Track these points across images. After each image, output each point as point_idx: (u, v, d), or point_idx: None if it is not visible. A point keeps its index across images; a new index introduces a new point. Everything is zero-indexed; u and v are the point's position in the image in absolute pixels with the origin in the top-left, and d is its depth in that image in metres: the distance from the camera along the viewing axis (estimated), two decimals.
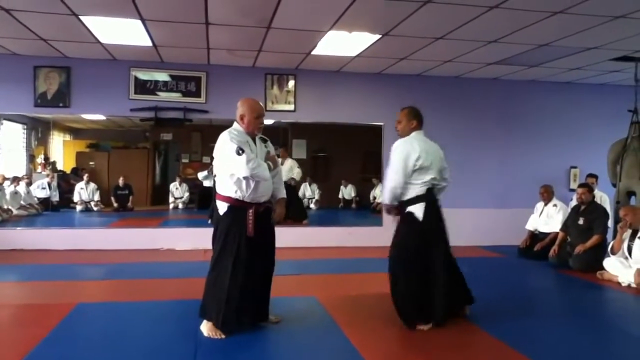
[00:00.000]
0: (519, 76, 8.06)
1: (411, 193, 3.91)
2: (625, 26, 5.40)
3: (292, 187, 8.86)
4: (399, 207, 3.96)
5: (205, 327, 3.63)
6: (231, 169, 3.54)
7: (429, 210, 3.90)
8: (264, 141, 3.87)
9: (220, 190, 3.67)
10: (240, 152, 3.46)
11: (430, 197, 3.92)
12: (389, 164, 4.00)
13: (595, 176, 7.69)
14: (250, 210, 3.58)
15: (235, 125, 3.71)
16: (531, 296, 5.33)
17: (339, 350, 3.48)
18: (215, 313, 3.58)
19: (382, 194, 4.01)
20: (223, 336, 3.55)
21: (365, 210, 9.40)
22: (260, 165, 3.55)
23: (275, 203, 3.87)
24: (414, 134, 4.13)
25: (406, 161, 3.89)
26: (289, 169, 8.72)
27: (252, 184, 3.56)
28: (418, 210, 3.88)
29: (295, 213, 8.49)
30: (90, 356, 3.29)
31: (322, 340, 3.67)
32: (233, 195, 3.59)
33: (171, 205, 10.39)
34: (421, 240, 3.87)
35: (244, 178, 3.52)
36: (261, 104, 3.86)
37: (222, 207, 3.65)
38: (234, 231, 3.59)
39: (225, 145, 3.55)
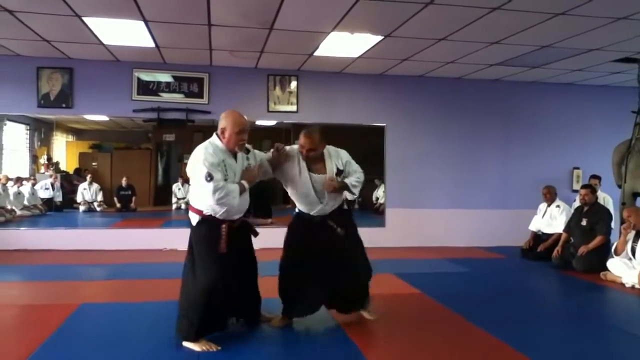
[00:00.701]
0: (521, 77, 8.06)
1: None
2: (627, 27, 5.40)
3: (267, 183, 8.71)
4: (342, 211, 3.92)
5: (195, 346, 3.39)
6: (200, 192, 3.35)
7: None
8: (247, 152, 3.62)
9: (193, 202, 3.47)
10: (209, 179, 3.23)
11: None
12: (351, 164, 3.96)
13: (598, 177, 7.68)
14: (224, 226, 3.37)
15: (214, 139, 3.45)
16: (534, 297, 5.32)
17: (343, 352, 3.47)
18: (187, 328, 3.41)
19: (358, 185, 3.88)
20: (219, 348, 3.38)
21: (367, 211, 9.39)
22: (229, 193, 3.29)
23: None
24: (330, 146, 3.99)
25: None
26: None
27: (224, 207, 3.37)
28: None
29: (263, 210, 8.30)
30: (93, 357, 3.29)
31: (326, 343, 3.67)
32: (205, 211, 3.39)
33: (174, 206, 10.39)
34: None
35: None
36: (246, 118, 3.51)
37: (194, 218, 3.46)
38: (208, 245, 3.39)
39: (196, 165, 3.33)
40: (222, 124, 3.43)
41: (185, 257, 3.57)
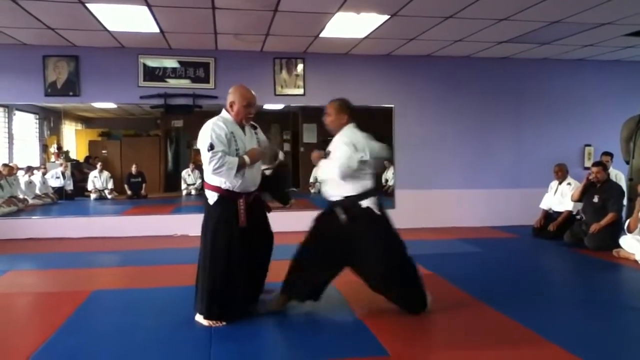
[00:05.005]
0: (530, 54, 7.94)
1: (360, 186, 3.75)
2: (639, 0, 5.28)
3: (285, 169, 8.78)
4: (347, 201, 3.73)
5: (202, 318, 3.58)
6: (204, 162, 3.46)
7: (380, 203, 3.87)
8: (254, 128, 3.76)
9: (209, 179, 3.56)
10: (210, 148, 3.38)
11: (377, 191, 3.89)
12: (336, 150, 3.68)
13: (610, 154, 7.58)
14: (241, 200, 3.52)
15: (224, 113, 3.61)
16: (546, 276, 5.30)
17: (356, 335, 3.46)
18: (206, 304, 3.54)
19: (327, 170, 3.72)
20: (223, 323, 3.52)
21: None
22: (224, 164, 3.38)
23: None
24: (349, 127, 3.83)
25: (354, 148, 3.64)
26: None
27: (240, 175, 3.48)
28: (373, 205, 3.77)
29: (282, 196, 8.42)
30: (106, 344, 3.31)
31: (338, 325, 3.66)
32: (222, 185, 3.51)
33: (184, 192, 10.42)
34: (392, 232, 3.84)
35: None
36: (253, 93, 3.64)
37: (211, 197, 3.56)
38: (226, 222, 3.52)
39: (204, 137, 3.47)
40: (230, 98, 3.60)
41: (201, 240, 3.63)
